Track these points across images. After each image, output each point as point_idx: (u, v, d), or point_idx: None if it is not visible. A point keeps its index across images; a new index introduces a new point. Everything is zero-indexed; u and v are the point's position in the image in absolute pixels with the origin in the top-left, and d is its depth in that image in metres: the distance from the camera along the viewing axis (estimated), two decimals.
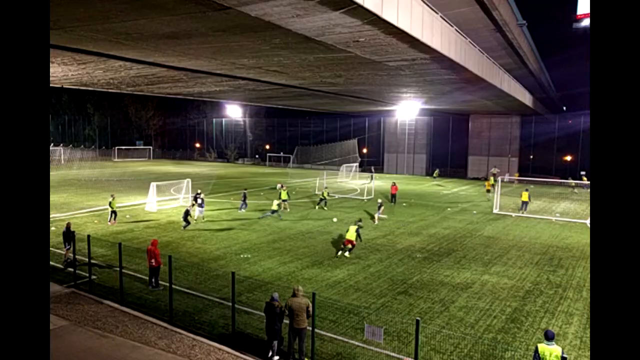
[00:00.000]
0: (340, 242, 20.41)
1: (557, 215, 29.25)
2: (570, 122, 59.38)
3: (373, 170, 51.88)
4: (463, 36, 22.08)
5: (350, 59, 20.98)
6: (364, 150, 64.71)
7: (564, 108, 72.43)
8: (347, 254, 18.19)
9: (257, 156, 76.84)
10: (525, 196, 29.71)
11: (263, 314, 10.44)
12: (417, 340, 8.52)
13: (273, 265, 16.98)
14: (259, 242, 20.25)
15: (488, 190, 37.78)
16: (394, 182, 35.24)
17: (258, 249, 19.02)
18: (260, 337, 10.85)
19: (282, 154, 69.53)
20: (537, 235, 23.20)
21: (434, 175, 45.75)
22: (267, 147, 77.59)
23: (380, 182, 45.37)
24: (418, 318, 8.64)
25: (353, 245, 18.24)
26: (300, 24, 14.46)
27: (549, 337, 8.16)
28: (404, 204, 32.36)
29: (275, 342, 9.96)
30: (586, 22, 50.47)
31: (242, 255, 18.11)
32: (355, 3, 12.33)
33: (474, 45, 24.32)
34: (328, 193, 31.42)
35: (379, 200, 27.55)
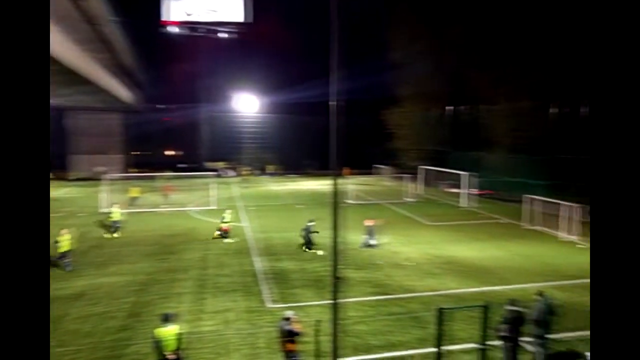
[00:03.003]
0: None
1: (166, 206, 30.63)
2: (171, 118, 64.03)
3: None
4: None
5: None
6: None
7: (172, 105, 75.53)
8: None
9: None
10: (135, 192, 30.02)
11: None
12: None
13: None
14: None
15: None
16: None
17: None
18: None
19: None
20: (149, 227, 24.01)
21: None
22: None
23: None
24: None
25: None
26: None
27: (165, 319, 8.75)
28: None
29: None
30: (172, 29, 55.99)
31: None
32: None
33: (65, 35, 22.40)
34: None
35: None
